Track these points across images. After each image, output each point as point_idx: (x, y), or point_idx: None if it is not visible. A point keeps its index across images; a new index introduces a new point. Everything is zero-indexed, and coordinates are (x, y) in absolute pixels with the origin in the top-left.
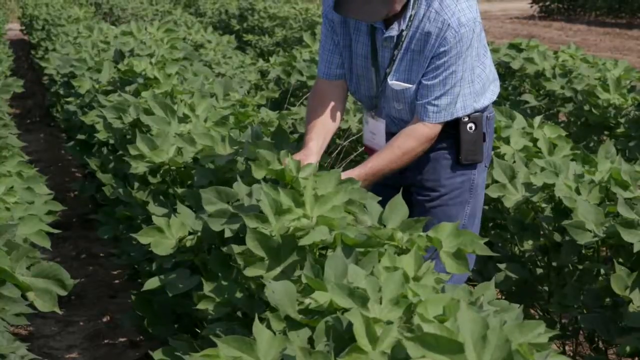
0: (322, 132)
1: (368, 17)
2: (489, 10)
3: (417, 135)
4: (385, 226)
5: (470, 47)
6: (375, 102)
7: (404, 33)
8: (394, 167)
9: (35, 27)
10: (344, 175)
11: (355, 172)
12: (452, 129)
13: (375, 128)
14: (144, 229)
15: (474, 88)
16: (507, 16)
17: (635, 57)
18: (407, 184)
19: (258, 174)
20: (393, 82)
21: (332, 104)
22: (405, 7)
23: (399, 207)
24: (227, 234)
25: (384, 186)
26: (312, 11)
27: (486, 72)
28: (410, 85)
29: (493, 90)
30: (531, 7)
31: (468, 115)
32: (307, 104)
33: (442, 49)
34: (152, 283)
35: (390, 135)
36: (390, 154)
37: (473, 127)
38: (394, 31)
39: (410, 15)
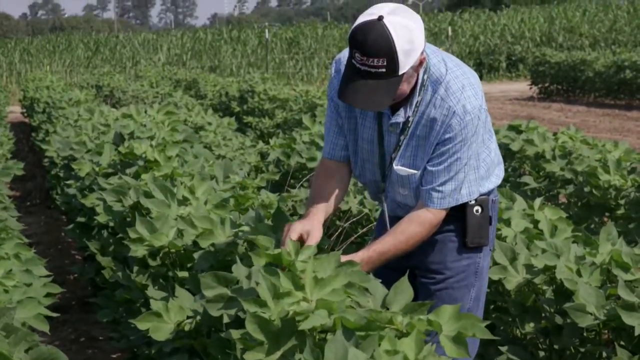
0: (324, 207)
1: (373, 107)
2: (489, 92)
3: (420, 221)
4: (388, 309)
5: (475, 134)
6: (381, 186)
7: (410, 119)
8: (397, 253)
9: (36, 109)
10: (346, 258)
11: (358, 256)
12: (458, 212)
13: (383, 213)
14: (142, 314)
15: (479, 174)
16: (507, 97)
17: (634, 138)
18: (411, 266)
19: (259, 262)
20: (398, 168)
21: (338, 182)
22: (412, 93)
23: (404, 290)
24: (226, 319)
25: (387, 268)
26: (312, 93)
27: (491, 156)
28: (416, 171)
29: (498, 174)
30: (530, 88)
31: (475, 199)
32: (312, 180)
33: (447, 136)
34: None
35: (395, 219)
36: (394, 239)
37: (479, 210)
38: (400, 117)
39: (417, 102)
